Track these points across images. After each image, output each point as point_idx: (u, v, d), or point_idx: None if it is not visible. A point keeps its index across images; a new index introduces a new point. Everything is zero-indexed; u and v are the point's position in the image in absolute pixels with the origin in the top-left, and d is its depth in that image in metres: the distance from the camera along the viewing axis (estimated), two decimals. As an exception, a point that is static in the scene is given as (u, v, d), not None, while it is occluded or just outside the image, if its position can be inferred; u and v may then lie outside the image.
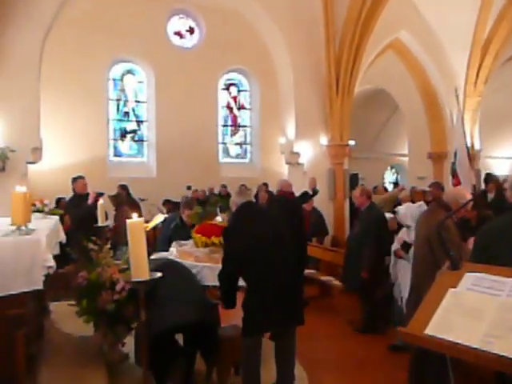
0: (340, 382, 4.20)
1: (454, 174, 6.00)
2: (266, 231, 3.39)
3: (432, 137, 12.85)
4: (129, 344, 3.93)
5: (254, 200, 3.86)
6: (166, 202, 9.56)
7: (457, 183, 5.56)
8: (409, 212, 4.69)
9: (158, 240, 5.85)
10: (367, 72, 10.61)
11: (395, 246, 4.97)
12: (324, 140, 9.78)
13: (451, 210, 3.47)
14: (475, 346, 1.37)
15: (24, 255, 2.79)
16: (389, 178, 19.00)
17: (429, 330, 1.50)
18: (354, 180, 13.75)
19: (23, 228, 2.98)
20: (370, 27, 9.10)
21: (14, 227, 2.98)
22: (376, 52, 10.60)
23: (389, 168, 18.90)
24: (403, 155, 16.20)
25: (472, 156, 12.05)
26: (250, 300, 3.29)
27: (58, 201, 8.04)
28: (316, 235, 8.62)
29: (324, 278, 6.74)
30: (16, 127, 6.77)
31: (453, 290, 1.59)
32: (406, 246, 4.76)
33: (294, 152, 9.72)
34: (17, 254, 2.78)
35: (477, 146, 12.16)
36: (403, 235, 4.88)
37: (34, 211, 4.20)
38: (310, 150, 9.76)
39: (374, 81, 11.99)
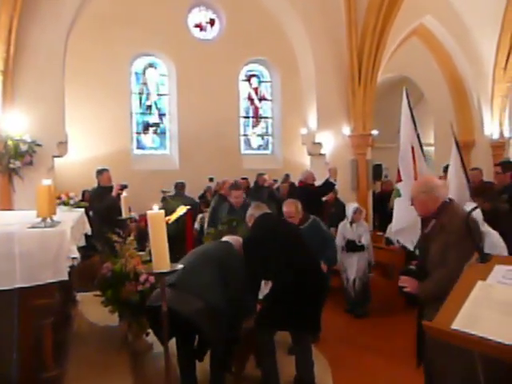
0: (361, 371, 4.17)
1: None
2: (287, 239, 3.51)
3: (459, 125, 12.49)
4: (153, 335, 3.98)
5: (269, 211, 3.90)
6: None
7: (398, 179, 5.22)
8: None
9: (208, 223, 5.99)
10: (391, 60, 10.36)
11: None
12: (346, 130, 9.63)
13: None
14: (508, 343, 1.30)
15: (49, 247, 2.84)
16: (414, 168, 18.59)
17: (456, 325, 1.45)
18: (377, 170, 13.52)
19: (48, 220, 3.04)
20: (393, 12, 8.85)
21: (39, 219, 3.04)
22: (400, 38, 10.32)
23: (414, 158, 18.51)
24: (429, 145, 15.81)
25: (501, 144, 11.72)
26: (271, 296, 3.36)
27: (84, 193, 8.20)
28: (336, 226, 8.52)
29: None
30: (42, 122, 6.89)
31: (482, 282, 1.53)
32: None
33: (315, 143, 9.59)
34: (43, 245, 2.83)
35: (506, 134, 11.79)
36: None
37: (60, 204, 4.28)
38: (332, 141, 9.62)
39: (397, 69, 11.71)
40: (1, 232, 2.87)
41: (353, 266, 5.79)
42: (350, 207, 6.08)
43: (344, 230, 6.03)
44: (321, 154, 9.60)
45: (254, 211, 3.78)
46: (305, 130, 9.98)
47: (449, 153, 5.73)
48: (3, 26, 6.38)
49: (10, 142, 6.57)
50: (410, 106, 5.06)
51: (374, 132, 10.03)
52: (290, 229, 3.78)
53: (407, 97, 5.10)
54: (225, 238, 3.75)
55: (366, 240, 5.90)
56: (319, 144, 9.56)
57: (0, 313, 2.72)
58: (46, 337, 2.91)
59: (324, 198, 7.78)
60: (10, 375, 2.71)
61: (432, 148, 14.84)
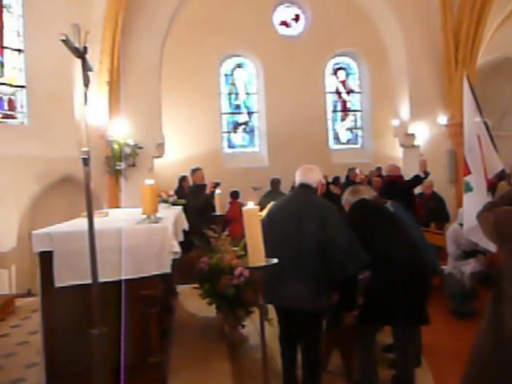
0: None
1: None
2: (385, 227, 3.29)
3: None
4: (249, 327, 4.12)
5: (367, 197, 3.57)
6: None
7: (466, 172, 4.56)
8: None
9: None
10: (492, 40, 9.53)
11: None
12: (442, 119, 9.07)
13: None
14: None
15: (154, 241, 3.07)
16: (521, 157, 16.93)
17: None
18: (478, 161, 12.51)
19: (152, 217, 3.28)
20: (496, -12, 8.16)
21: (144, 216, 3.29)
22: (503, 16, 9.46)
23: (520, 146, 16.85)
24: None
25: None
26: (373, 288, 3.20)
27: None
28: (435, 220, 8.08)
29: (445, 266, 6.27)
30: (142, 126, 7.47)
31: None
32: None
33: (408, 134, 9.18)
34: (148, 240, 3.06)
35: None
36: None
37: (160, 202, 4.59)
38: (427, 131, 9.12)
39: (500, 49, 10.73)
40: (111, 228, 3.14)
41: (469, 263, 5.38)
42: None
43: (459, 236, 5.41)
44: (414, 146, 9.17)
45: (350, 196, 3.53)
46: (396, 122, 9.58)
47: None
48: (108, 40, 7.00)
49: (116, 146, 7.21)
50: (473, 93, 4.61)
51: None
52: (389, 217, 3.48)
53: (469, 84, 4.65)
54: (299, 179, 3.25)
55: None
56: (412, 135, 9.14)
57: (110, 302, 2.92)
58: (152, 325, 3.14)
59: (420, 191, 7.42)
60: (120, 359, 2.94)
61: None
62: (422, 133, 9.13)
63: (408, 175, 7.51)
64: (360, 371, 3.40)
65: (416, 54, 8.93)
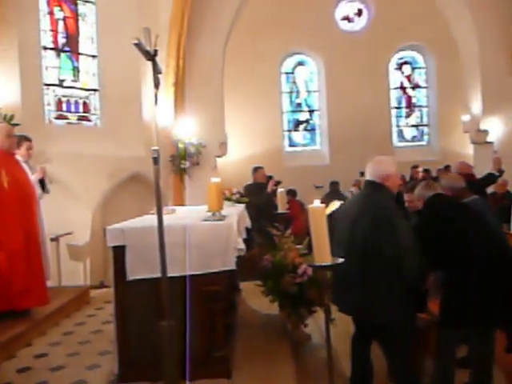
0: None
1: None
2: (466, 224, 3.05)
3: None
4: (311, 325, 4.10)
5: (442, 192, 3.35)
6: None
7: None
8: None
9: None
10: None
11: None
12: (519, 113, 8.49)
13: None
14: None
15: (219, 238, 3.13)
16: None
17: None
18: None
19: (217, 214, 3.35)
20: None
21: (209, 213, 3.37)
22: None
23: None
24: None
25: None
26: (452, 289, 3.01)
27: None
28: (509, 221, 7.56)
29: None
30: (206, 125, 7.68)
31: None
32: None
33: (480, 130, 8.67)
34: (214, 236, 3.13)
35: None
36: None
37: (224, 199, 4.67)
38: (501, 126, 8.57)
39: None
40: (179, 224, 3.24)
41: None
42: None
43: None
44: (487, 142, 8.65)
45: (424, 191, 3.31)
46: (467, 117, 9.10)
47: None
48: (173, 44, 7.27)
49: (180, 146, 7.45)
50: None
51: (556, 113, 8.64)
52: (470, 213, 3.22)
53: None
54: (368, 175, 3.05)
55: None
56: (485, 131, 8.63)
57: (178, 296, 3.02)
58: (217, 320, 3.20)
59: (493, 191, 6.99)
60: (185, 352, 3.01)
61: None
62: (496, 128, 8.59)
63: (480, 173, 7.10)
64: (434, 378, 3.23)
65: (489, 45, 8.41)
